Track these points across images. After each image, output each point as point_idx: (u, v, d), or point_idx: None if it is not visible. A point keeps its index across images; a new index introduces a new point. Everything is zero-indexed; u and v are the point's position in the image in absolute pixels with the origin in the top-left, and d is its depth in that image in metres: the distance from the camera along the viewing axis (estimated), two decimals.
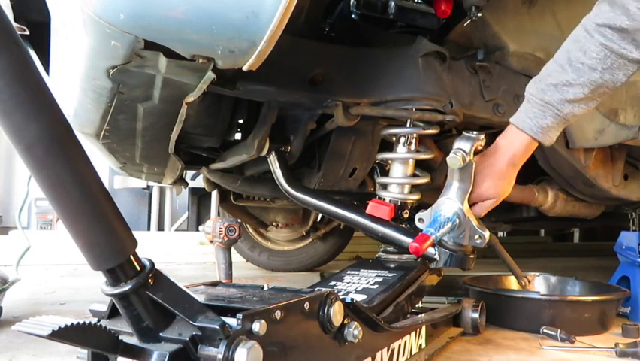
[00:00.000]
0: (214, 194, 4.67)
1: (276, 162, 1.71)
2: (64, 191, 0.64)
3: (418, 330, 1.30)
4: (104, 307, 0.81)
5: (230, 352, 0.69)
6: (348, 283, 1.36)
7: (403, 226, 1.51)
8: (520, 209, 2.44)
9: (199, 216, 5.36)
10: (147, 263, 0.72)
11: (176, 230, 5.45)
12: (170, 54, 0.85)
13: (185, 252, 3.90)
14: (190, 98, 1.04)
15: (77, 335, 0.65)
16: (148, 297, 0.71)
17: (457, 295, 1.91)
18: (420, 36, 1.48)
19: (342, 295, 1.22)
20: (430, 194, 1.65)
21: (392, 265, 1.48)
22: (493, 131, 1.82)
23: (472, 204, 1.32)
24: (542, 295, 1.72)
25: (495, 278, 2.01)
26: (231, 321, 0.73)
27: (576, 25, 1.19)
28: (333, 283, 1.37)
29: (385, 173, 1.61)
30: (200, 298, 0.83)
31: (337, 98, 1.43)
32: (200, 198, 5.37)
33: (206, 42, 0.81)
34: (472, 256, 1.36)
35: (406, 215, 1.53)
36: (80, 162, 0.65)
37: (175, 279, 0.75)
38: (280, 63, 1.30)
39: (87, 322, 0.66)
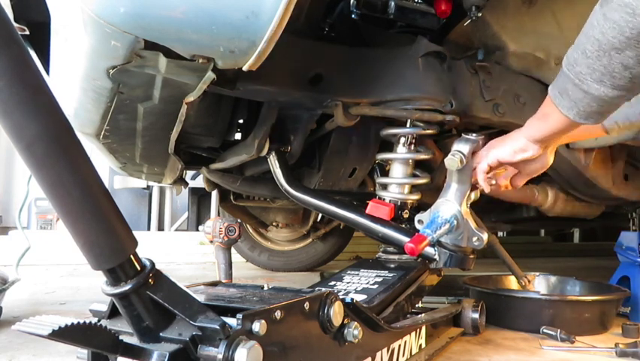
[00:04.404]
0: (214, 194, 4.67)
1: (276, 162, 1.71)
2: (65, 190, 0.64)
3: (418, 330, 1.30)
4: (104, 307, 0.81)
5: (231, 352, 0.69)
6: (348, 283, 1.36)
7: (403, 226, 1.51)
8: (520, 209, 2.44)
9: (199, 216, 5.36)
10: (147, 263, 0.72)
11: (176, 230, 5.45)
12: (170, 54, 0.85)
13: (185, 252, 3.90)
14: (190, 98, 1.04)
15: (77, 335, 0.65)
16: (148, 297, 0.71)
17: (457, 295, 1.91)
18: (420, 36, 1.48)
19: (342, 295, 1.22)
20: (430, 194, 1.65)
21: (392, 265, 1.48)
22: (493, 131, 1.82)
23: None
24: (542, 295, 1.72)
25: (495, 278, 2.00)
26: (231, 321, 0.73)
27: (576, 25, 1.17)
28: (333, 283, 1.37)
29: (385, 173, 1.61)
30: (200, 298, 0.83)
31: (337, 98, 1.43)
32: (200, 198, 5.38)
33: (207, 42, 0.81)
34: (471, 256, 1.37)
35: (405, 215, 1.53)
36: (80, 162, 0.65)
37: (175, 279, 0.75)
38: (280, 63, 1.29)
39: (87, 322, 0.66)
